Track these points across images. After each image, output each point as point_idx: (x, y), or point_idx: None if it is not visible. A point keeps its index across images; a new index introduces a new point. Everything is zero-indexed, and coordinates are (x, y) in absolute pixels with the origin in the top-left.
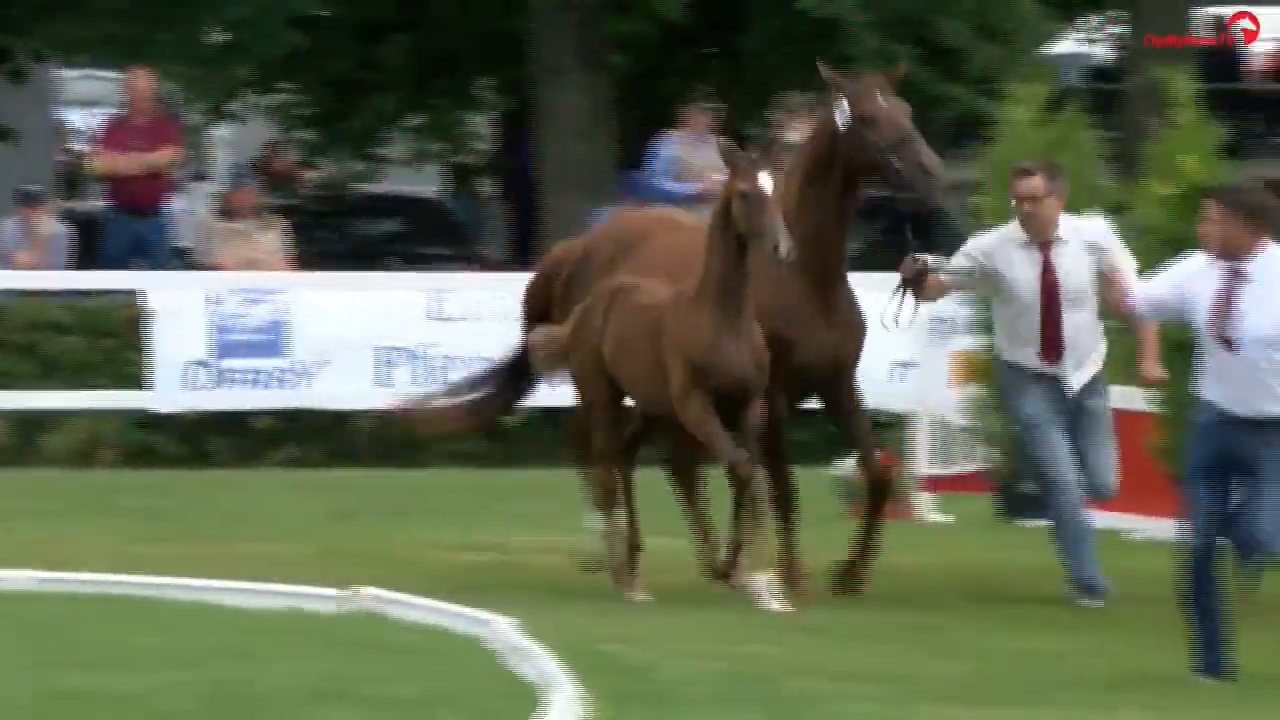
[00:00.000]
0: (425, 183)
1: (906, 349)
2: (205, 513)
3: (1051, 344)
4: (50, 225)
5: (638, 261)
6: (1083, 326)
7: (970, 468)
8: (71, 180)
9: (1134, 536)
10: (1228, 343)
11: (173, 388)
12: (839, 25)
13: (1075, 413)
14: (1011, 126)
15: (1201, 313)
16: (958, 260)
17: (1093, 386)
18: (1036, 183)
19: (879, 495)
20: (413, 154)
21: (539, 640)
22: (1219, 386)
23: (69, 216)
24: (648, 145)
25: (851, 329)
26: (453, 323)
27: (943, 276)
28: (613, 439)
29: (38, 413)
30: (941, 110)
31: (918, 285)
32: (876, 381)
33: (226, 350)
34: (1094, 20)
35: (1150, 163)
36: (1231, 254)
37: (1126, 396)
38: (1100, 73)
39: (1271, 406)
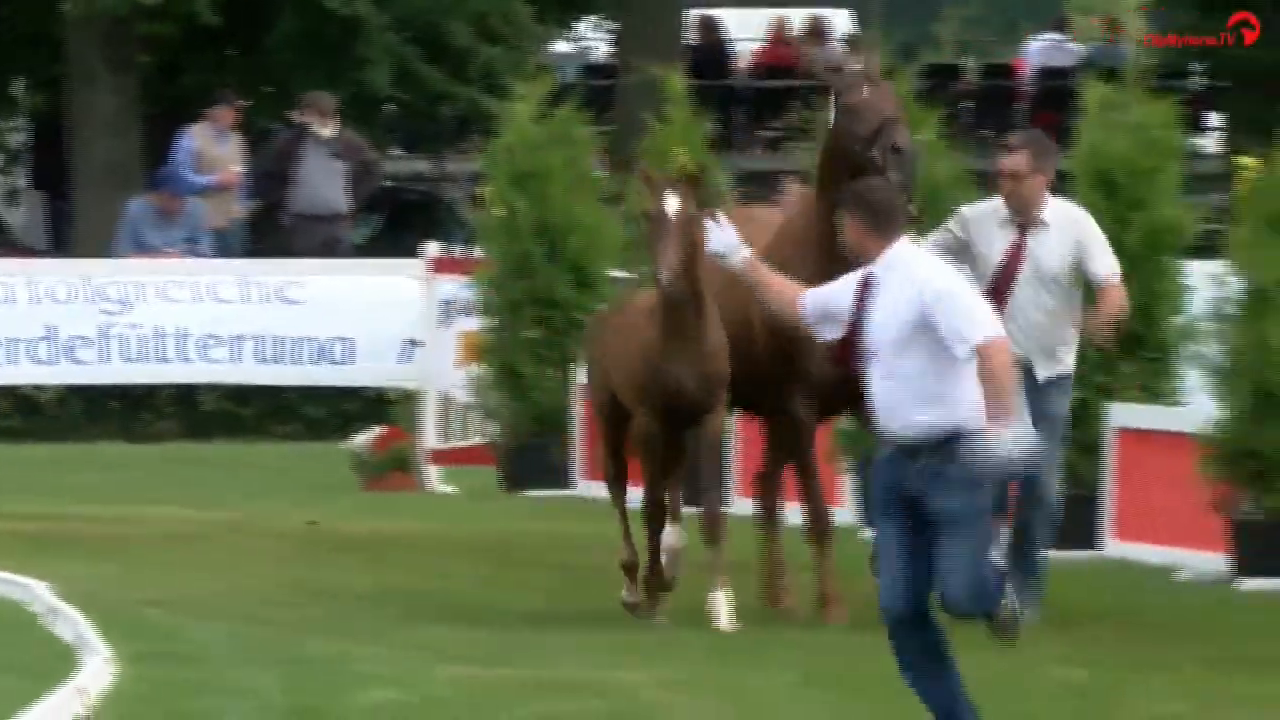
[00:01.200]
0: None
1: (415, 329)
2: None
3: None
4: None
5: None
6: (1054, 314)
7: (475, 442)
8: None
9: (595, 502)
10: (867, 353)
11: None
12: (358, 25)
13: (1034, 408)
14: (514, 121)
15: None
16: (939, 232)
17: (1059, 386)
18: (1019, 159)
19: None
20: None
21: (75, 604)
22: (877, 407)
23: None
24: (172, 139)
25: None
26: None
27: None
28: (617, 462)
29: None
30: (447, 106)
31: None
32: (386, 360)
33: None
34: (590, 21)
35: (644, 155)
36: (859, 257)
37: None
38: (596, 70)
39: (919, 414)
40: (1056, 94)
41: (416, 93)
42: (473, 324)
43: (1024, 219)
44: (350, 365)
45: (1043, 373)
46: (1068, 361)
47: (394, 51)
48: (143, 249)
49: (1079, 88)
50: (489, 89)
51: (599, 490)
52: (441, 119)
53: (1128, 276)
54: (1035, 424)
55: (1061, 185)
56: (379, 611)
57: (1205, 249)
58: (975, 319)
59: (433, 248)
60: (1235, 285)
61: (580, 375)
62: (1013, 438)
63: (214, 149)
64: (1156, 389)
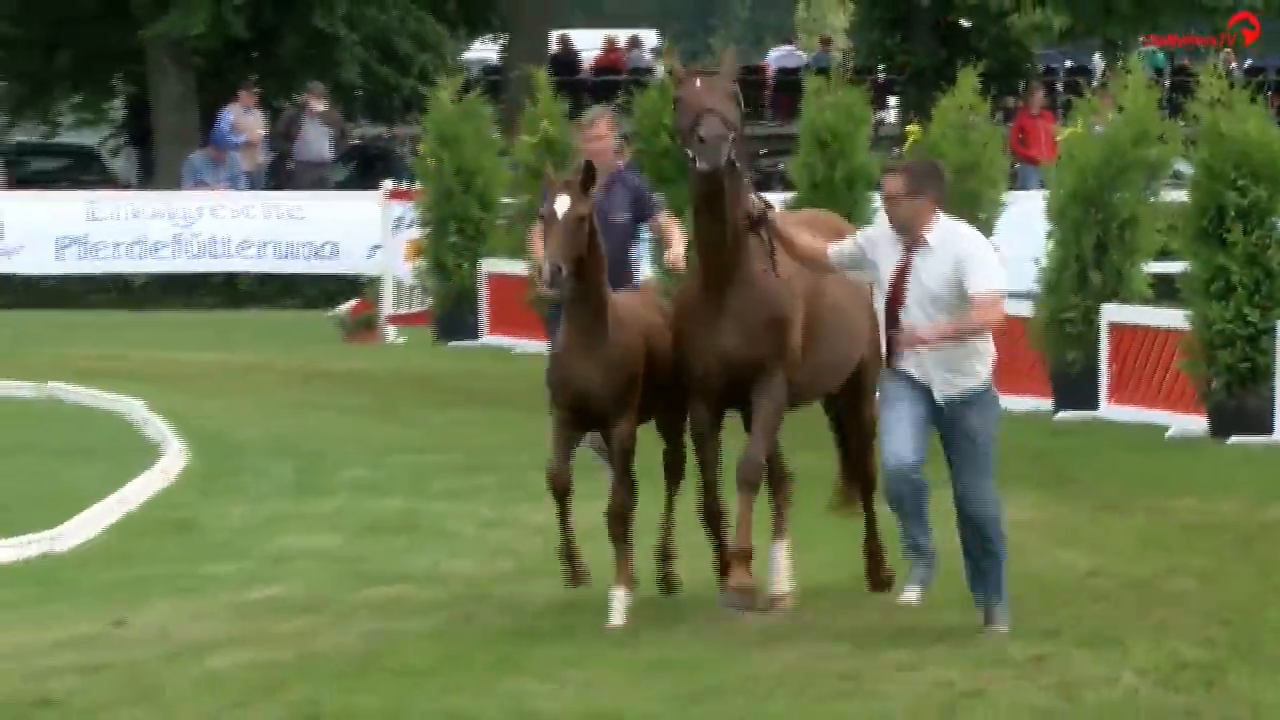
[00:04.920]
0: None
1: (377, 236)
2: None
3: (889, 342)
4: None
5: None
6: None
7: (417, 310)
8: None
9: (496, 349)
10: None
11: None
12: (338, 40)
13: (949, 428)
14: (439, 102)
15: None
16: (844, 244)
17: (968, 403)
18: (894, 183)
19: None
20: (77, 119)
21: (158, 415)
22: None
23: None
24: (218, 113)
25: (748, 328)
26: (110, 222)
27: (831, 258)
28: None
29: None
30: (394, 93)
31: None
32: (358, 257)
33: None
34: (488, 37)
35: (524, 124)
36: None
37: None
38: (492, 69)
39: None
40: (790, 85)
41: (376, 83)
42: (415, 234)
43: (907, 239)
44: (335, 259)
45: (942, 393)
46: (976, 376)
47: (359, 57)
48: (200, 185)
49: (804, 80)
50: (423, 80)
51: (498, 341)
52: (392, 100)
53: (838, 208)
54: (951, 444)
55: (790, 147)
56: (352, 420)
57: None
58: None
59: (388, 184)
60: None
61: (486, 265)
62: None
63: (245, 120)
64: None
